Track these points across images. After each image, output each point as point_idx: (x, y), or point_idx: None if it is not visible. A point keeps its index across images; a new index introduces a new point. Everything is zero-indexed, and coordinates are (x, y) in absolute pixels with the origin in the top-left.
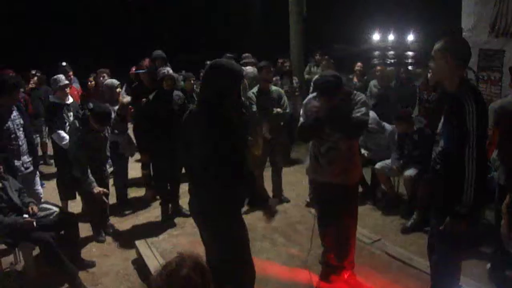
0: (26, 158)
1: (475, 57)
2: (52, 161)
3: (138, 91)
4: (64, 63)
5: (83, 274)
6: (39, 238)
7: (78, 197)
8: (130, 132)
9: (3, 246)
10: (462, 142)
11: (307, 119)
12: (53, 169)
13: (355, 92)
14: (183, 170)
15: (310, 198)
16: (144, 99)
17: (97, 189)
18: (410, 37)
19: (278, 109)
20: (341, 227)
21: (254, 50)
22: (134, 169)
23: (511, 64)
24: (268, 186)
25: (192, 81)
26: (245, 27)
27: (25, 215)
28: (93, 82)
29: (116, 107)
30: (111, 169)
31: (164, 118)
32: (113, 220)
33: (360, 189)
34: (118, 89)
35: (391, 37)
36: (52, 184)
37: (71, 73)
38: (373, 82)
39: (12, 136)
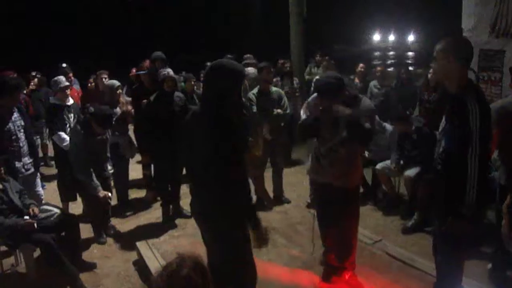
0: (27, 160)
1: (475, 57)
2: (53, 162)
3: (139, 93)
4: (64, 65)
5: (84, 275)
6: (40, 239)
7: (78, 199)
8: (131, 133)
9: (4, 248)
10: (463, 142)
11: (307, 117)
12: (53, 171)
13: (361, 96)
14: (184, 171)
15: (311, 199)
16: (144, 101)
17: (102, 193)
18: (411, 38)
19: (279, 110)
20: (341, 228)
21: (254, 51)
22: (135, 171)
23: (511, 64)
24: (269, 186)
25: (192, 82)
26: (245, 28)
27: (26, 217)
28: (93, 84)
29: (117, 109)
30: (112, 171)
31: (165, 119)
32: (114, 222)
33: (361, 190)
34: (119, 91)
35: (391, 37)
36: (53, 185)
37: (71, 74)
38: (373, 83)
39: (13, 137)
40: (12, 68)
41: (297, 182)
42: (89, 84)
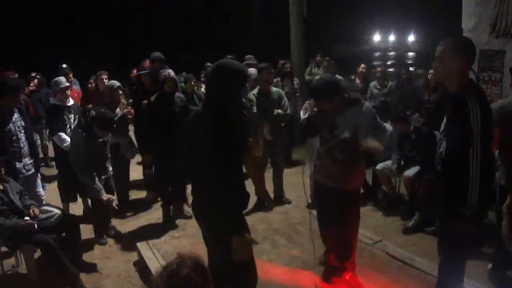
0: (27, 160)
1: (475, 57)
2: (53, 163)
3: (139, 93)
4: (64, 65)
5: (84, 276)
6: (40, 240)
7: (79, 199)
8: (131, 133)
9: (4, 249)
10: (464, 142)
11: (303, 118)
12: (54, 171)
13: (363, 102)
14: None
15: (311, 199)
16: (144, 101)
17: (105, 196)
18: (411, 38)
19: (279, 110)
20: (340, 229)
21: (254, 51)
22: (135, 171)
23: (511, 64)
24: (269, 187)
25: (192, 83)
26: (245, 28)
27: (27, 218)
28: (93, 84)
29: (117, 109)
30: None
31: (165, 120)
32: (115, 222)
33: (361, 190)
34: (120, 91)
35: (391, 37)
36: (53, 186)
37: (71, 75)
38: (374, 83)
39: (14, 138)
40: (12, 69)
41: (297, 182)
42: (90, 85)
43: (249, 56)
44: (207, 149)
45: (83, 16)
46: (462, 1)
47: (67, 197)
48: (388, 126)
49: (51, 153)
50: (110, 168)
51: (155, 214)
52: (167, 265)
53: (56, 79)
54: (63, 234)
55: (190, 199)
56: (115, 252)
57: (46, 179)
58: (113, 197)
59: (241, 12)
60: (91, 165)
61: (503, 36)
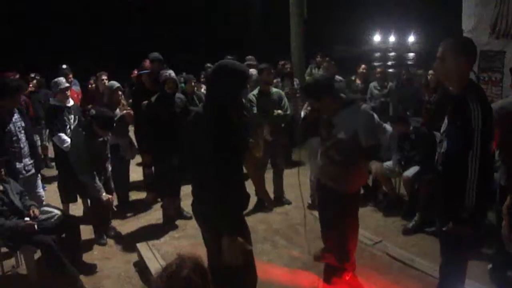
0: (27, 161)
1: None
2: (53, 163)
3: (139, 94)
4: (64, 66)
5: (84, 277)
6: (40, 241)
7: (79, 200)
8: (132, 134)
9: (4, 249)
10: (465, 142)
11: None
12: (54, 172)
13: (361, 103)
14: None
15: (311, 199)
16: (144, 102)
17: (105, 196)
18: (411, 38)
19: (279, 111)
20: (340, 230)
21: (254, 52)
22: (135, 172)
23: (511, 65)
24: (269, 188)
25: (192, 83)
26: (245, 28)
27: (27, 218)
28: (93, 85)
29: (116, 110)
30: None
31: (166, 120)
32: (115, 223)
33: (361, 191)
34: (119, 92)
35: (392, 38)
36: (53, 186)
37: (71, 75)
38: (373, 84)
39: (14, 138)
40: (12, 70)
41: (297, 183)
42: (90, 86)
43: (250, 57)
44: (207, 149)
45: (83, 16)
46: (462, 2)
47: (67, 197)
48: (388, 126)
49: (51, 153)
50: (110, 169)
51: (155, 215)
52: (167, 266)
53: (55, 79)
54: (63, 235)
55: (190, 199)
56: (115, 252)
57: (46, 180)
58: (113, 198)
59: (241, 12)
60: (91, 165)
61: (503, 36)
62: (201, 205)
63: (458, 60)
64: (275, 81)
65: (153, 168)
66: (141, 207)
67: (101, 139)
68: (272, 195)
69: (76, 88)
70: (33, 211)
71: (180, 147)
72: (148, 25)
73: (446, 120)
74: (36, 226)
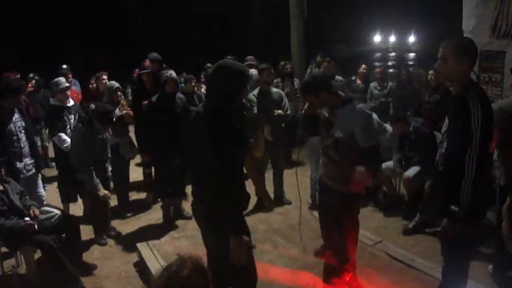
0: (28, 160)
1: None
2: (54, 163)
3: (139, 93)
4: (64, 66)
5: (84, 277)
6: (40, 241)
7: (79, 200)
8: (132, 134)
9: (4, 249)
10: (466, 143)
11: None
12: (54, 172)
13: (357, 103)
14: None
15: (311, 200)
16: (145, 102)
17: (102, 191)
18: (411, 39)
19: (279, 111)
20: (339, 231)
21: (255, 52)
22: (135, 172)
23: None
24: (270, 188)
25: (193, 83)
26: (246, 28)
27: (27, 218)
28: (94, 85)
29: (116, 111)
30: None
31: (166, 121)
32: (115, 223)
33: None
34: (119, 92)
35: (392, 38)
36: (53, 186)
37: (70, 76)
38: (373, 84)
39: (14, 138)
40: (11, 70)
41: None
42: (91, 86)
43: (250, 57)
44: (207, 149)
45: (83, 16)
46: (463, 2)
47: (67, 197)
48: (388, 127)
49: (51, 154)
50: (110, 169)
51: (155, 215)
52: (167, 266)
53: (55, 79)
54: (63, 235)
55: (190, 199)
56: (115, 252)
57: (46, 180)
58: (110, 194)
59: (242, 12)
60: (89, 160)
61: (504, 37)
62: (202, 205)
63: (459, 60)
64: (275, 81)
65: (153, 168)
66: (141, 207)
67: (100, 136)
68: (272, 195)
69: (76, 88)
70: (33, 211)
71: (181, 147)
72: (148, 25)
73: (446, 120)
74: (36, 226)
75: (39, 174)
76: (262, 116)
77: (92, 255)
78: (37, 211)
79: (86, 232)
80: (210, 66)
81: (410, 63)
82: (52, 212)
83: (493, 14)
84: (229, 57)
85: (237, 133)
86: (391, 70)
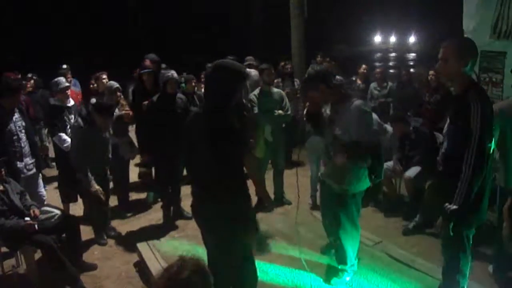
0: (28, 160)
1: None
2: (54, 163)
3: (139, 93)
4: (64, 66)
5: (84, 277)
6: (40, 241)
7: (79, 200)
8: (132, 134)
9: (5, 249)
10: (466, 142)
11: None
12: (54, 172)
13: (354, 99)
14: (185, 172)
15: (312, 200)
16: (145, 102)
17: (94, 187)
18: (412, 39)
19: (280, 111)
20: (338, 230)
21: (255, 52)
22: (135, 172)
23: None
24: (270, 188)
25: (193, 83)
26: (246, 28)
27: (27, 218)
28: (95, 85)
29: (116, 111)
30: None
31: (167, 120)
32: (115, 223)
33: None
34: (118, 92)
35: (392, 38)
36: (54, 186)
37: (70, 75)
38: (373, 85)
39: (14, 138)
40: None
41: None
42: (91, 86)
43: (250, 57)
44: (207, 149)
45: (83, 16)
46: (463, 2)
47: (67, 197)
48: (389, 127)
49: (51, 154)
50: (108, 171)
51: (155, 215)
52: (168, 267)
53: (55, 79)
54: (64, 235)
55: (190, 199)
56: (115, 252)
57: (46, 180)
58: (104, 192)
59: (242, 12)
60: (86, 158)
61: (504, 37)
62: (202, 206)
63: (460, 61)
64: (275, 81)
65: (153, 168)
66: (141, 207)
67: (101, 134)
68: (272, 195)
69: (76, 88)
70: (33, 211)
71: (181, 147)
72: (148, 25)
73: (447, 120)
74: (36, 226)
75: (40, 174)
76: (263, 116)
77: (92, 255)
78: (37, 211)
79: (86, 232)
80: (210, 66)
81: (411, 63)
82: (52, 212)
83: (494, 15)
84: (229, 57)
85: (236, 132)
86: (391, 71)
